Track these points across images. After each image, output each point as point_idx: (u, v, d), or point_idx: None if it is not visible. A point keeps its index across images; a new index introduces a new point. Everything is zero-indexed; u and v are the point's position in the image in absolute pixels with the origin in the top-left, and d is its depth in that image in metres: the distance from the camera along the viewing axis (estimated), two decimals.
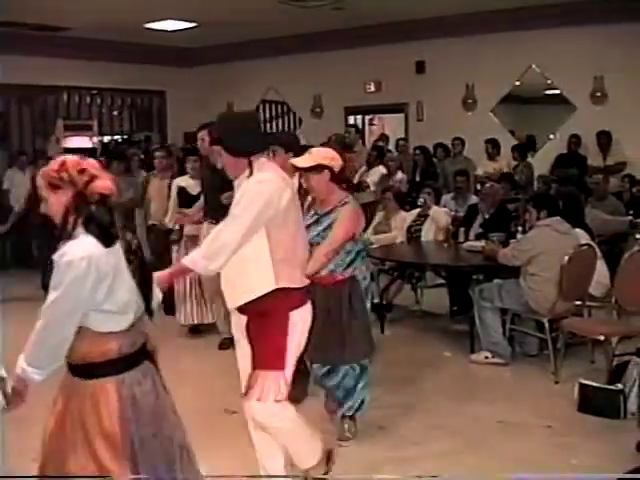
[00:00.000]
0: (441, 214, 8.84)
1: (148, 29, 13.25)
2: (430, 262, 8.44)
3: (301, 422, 4.19)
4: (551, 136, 13.00)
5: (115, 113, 16.59)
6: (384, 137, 14.49)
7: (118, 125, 16.72)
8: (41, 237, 9.83)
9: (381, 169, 11.37)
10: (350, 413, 5.34)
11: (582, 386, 5.76)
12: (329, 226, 4.92)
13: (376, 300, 8.67)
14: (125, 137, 16.53)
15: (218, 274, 4.14)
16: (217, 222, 6.60)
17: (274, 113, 16.49)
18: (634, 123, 11.44)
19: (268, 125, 16.44)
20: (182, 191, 8.09)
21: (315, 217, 5.02)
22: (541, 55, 12.43)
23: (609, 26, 11.51)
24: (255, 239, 3.90)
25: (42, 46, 13.27)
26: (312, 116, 15.46)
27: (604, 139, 11.75)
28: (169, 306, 7.94)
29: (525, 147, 12.55)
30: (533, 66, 12.71)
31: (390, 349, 7.61)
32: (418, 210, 9.08)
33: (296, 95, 15.51)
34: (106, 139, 15.92)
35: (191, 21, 12.98)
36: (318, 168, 4.83)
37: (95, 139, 14.99)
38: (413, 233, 8.91)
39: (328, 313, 4.96)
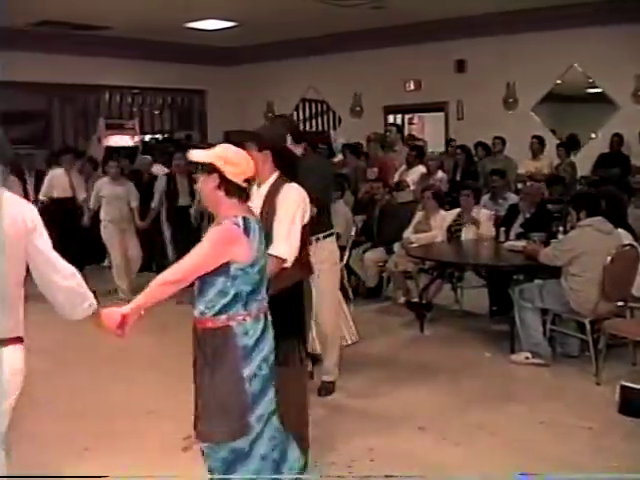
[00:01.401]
0: (488, 229, 8.76)
1: (189, 28, 13.35)
2: (470, 262, 8.43)
3: None
4: (593, 135, 12.91)
5: (156, 112, 16.75)
6: (411, 137, 14.47)
7: (159, 124, 16.89)
8: None
9: (421, 168, 11.33)
10: None
11: (623, 388, 5.70)
12: None
13: (415, 299, 8.70)
14: (166, 136, 16.67)
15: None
16: None
17: (313, 112, 16.53)
18: None
19: (307, 124, 16.51)
20: None
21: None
22: (583, 54, 12.34)
23: None
24: None
25: (84, 46, 13.42)
26: (351, 115, 15.48)
27: None
28: None
29: (569, 146, 12.44)
30: (575, 65, 12.62)
31: (429, 349, 7.62)
32: (458, 210, 9.06)
33: (336, 94, 15.54)
34: (147, 138, 16.06)
35: (231, 20, 13.06)
36: (208, 167, 3.73)
37: (136, 138, 15.13)
38: (453, 233, 8.90)
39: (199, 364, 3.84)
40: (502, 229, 8.50)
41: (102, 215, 9.98)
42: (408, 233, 9.18)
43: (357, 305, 9.31)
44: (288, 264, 4.38)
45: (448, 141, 13.49)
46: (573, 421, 5.57)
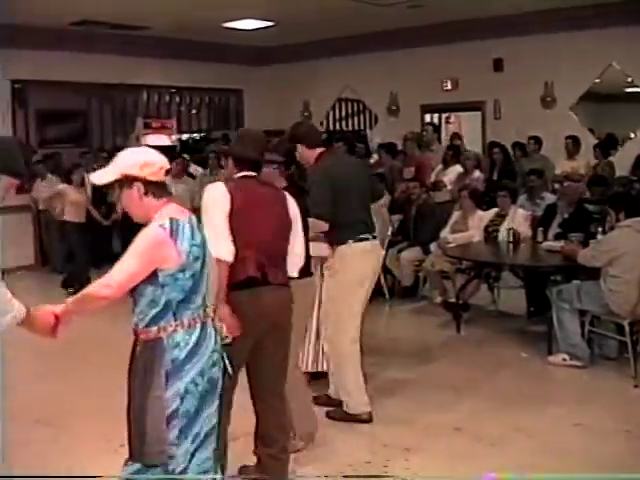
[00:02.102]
0: (525, 229, 8.69)
1: (226, 28, 13.38)
2: (507, 262, 8.38)
3: None
4: (632, 135, 12.77)
5: (193, 111, 16.82)
6: (455, 136, 14.39)
7: (196, 123, 16.98)
8: None
9: (458, 168, 11.30)
10: None
11: None
12: None
13: (452, 299, 8.68)
14: (203, 135, 16.75)
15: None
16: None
17: (350, 111, 16.52)
18: None
19: (344, 123, 16.51)
20: None
21: None
22: (621, 52, 12.18)
23: None
24: None
25: (122, 45, 13.51)
26: (388, 114, 15.42)
27: None
28: None
29: (607, 145, 12.31)
30: (613, 64, 12.48)
31: (466, 349, 7.60)
32: (496, 210, 9.02)
33: (372, 93, 15.48)
34: (184, 137, 16.15)
35: (268, 20, 13.08)
36: (126, 180, 3.37)
37: (174, 137, 15.21)
38: (490, 232, 8.86)
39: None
40: (540, 229, 8.45)
41: None
42: (445, 233, 9.17)
43: (393, 305, 9.37)
44: (227, 261, 4.09)
45: (490, 145, 13.24)
46: (610, 424, 5.53)
